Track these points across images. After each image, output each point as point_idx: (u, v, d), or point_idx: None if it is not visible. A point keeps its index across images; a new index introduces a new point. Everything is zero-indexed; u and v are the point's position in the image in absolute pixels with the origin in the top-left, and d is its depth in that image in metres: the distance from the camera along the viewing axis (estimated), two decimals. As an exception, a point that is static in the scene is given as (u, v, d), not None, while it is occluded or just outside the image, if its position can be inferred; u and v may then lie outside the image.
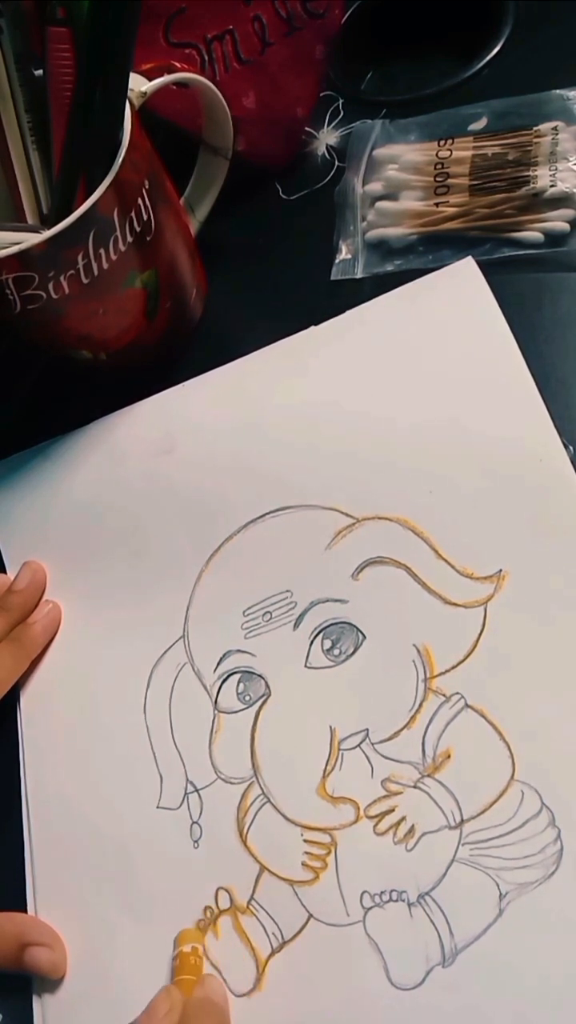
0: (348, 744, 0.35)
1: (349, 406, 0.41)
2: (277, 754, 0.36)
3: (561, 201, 0.42)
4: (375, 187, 0.46)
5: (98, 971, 0.35)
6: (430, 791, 0.33)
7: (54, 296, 0.38)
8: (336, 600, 0.37)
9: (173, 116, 0.44)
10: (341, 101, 0.51)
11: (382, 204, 0.45)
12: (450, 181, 0.44)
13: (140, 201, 0.38)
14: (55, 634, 0.41)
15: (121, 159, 0.36)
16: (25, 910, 0.37)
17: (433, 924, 0.32)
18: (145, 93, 0.39)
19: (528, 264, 0.42)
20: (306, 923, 0.33)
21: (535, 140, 0.44)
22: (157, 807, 0.37)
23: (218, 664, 0.38)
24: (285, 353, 0.44)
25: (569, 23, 0.48)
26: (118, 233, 0.38)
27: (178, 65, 0.40)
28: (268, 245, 0.49)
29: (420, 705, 0.35)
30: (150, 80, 0.39)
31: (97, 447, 0.44)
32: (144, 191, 0.38)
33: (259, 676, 0.37)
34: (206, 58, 0.44)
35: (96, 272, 0.38)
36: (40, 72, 0.38)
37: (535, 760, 0.33)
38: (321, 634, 0.37)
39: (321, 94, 0.50)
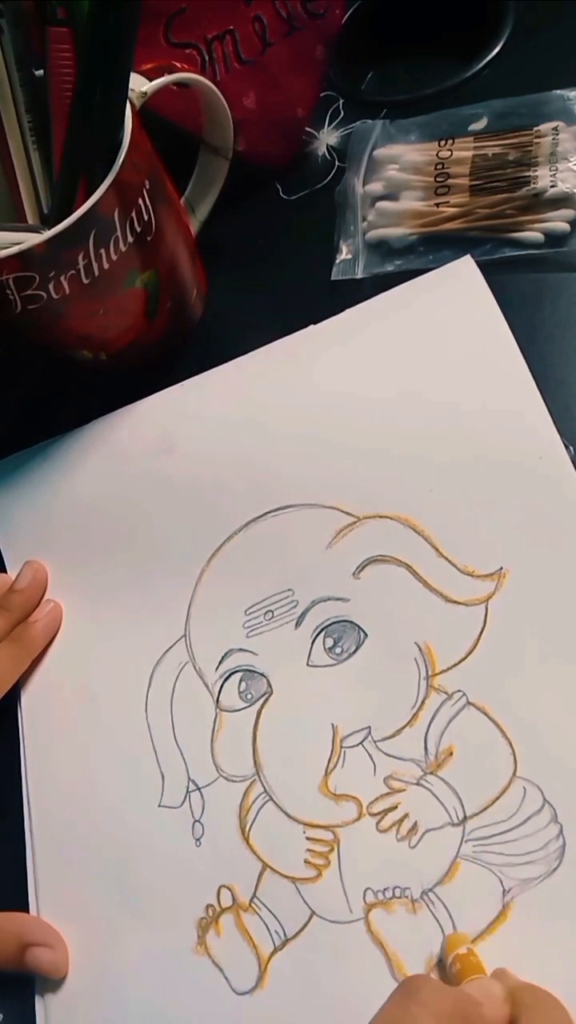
0: (350, 742, 0.35)
1: (349, 405, 0.41)
2: (279, 752, 0.36)
3: (561, 201, 0.42)
4: (375, 187, 0.46)
5: (100, 971, 0.35)
6: (433, 788, 0.33)
7: (54, 296, 0.38)
8: (337, 598, 0.37)
9: (173, 116, 0.44)
10: (341, 101, 0.51)
11: (382, 204, 0.45)
12: (450, 181, 0.44)
13: (140, 201, 0.38)
14: (56, 633, 0.41)
15: (121, 159, 0.37)
16: (27, 910, 0.37)
17: (436, 920, 0.32)
18: (145, 93, 0.39)
19: (528, 264, 0.42)
20: (309, 920, 0.33)
21: (535, 140, 0.44)
22: (159, 806, 0.37)
23: (220, 663, 0.38)
24: (285, 353, 0.44)
25: (569, 23, 0.48)
26: (118, 233, 0.38)
27: (178, 65, 0.41)
28: (268, 245, 0.49)
29: (422, 703, 0.35)
30: (150, 80, 0.39)
31: (97, 447, 0.44)
32: (144, 191, 0.38)
33: (261, 675, 0.37)
34: (206, 58, 0.44)
35: (96, 272, 0.38)
36: (40, 72, 0.39)
37: (537, 757, 0.33)
38: (323, 632, 0.37)
39: (321, 94, 0.50)
